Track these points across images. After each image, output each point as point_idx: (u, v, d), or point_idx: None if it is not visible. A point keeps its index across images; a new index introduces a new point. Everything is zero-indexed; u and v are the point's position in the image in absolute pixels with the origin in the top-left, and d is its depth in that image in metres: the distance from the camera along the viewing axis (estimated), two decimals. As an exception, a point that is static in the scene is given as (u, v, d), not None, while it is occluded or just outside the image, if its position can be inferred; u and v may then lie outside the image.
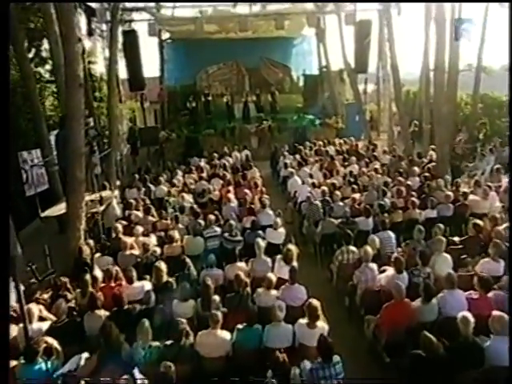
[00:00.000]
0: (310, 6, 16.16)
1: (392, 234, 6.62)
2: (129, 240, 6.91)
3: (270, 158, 13.96)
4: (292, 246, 5.93)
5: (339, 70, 18.48)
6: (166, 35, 19.37)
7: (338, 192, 8.57)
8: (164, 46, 19.52)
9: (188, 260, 6.19)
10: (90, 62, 15.97)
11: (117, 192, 8.93)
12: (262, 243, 6.25)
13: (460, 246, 6.25)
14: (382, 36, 14.11)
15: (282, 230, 7.28)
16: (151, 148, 16.04)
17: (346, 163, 11.35)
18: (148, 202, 9.32)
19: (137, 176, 10.87)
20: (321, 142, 13.75)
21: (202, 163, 12.29)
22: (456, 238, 6.48)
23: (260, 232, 7.15)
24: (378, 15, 13.38)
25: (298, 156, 12.43)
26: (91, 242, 6.95)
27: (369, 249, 5.74)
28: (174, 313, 4.93)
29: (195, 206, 8.52)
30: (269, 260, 6.10)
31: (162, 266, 5.71)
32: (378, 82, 16.81)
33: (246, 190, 9.41)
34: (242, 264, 6.16)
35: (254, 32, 17.58)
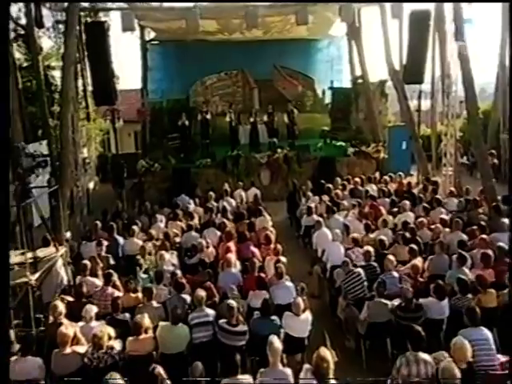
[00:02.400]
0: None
1: (488, 333, 5.44)
2: (71, 330, 5.94)
3: (287, 199, 13.52)
4: (326, 354, 4.79)
5: (380, 81, 18.27)
6: (150, 35, 19.40)
7: (391, 256, 7.76)
8: (148, 48, 19.43)
9: (160, 371, 5.22)
10: (48, 67, 15.84)
11: (64, 249, 8.06)
12: (278, 343, 5.35)
13: None
14: (442, 33, 13.41)
15: (306, 317, 6.61)
16: (126, 183, 15.85)
17: (396, 209, 10.83)
18: (112, 262, 8.95)
19: (98, 223, 10.36)
20: (357, 179, 13.33)
21: (193, 206, 12.11)
22: None
23: (274, 319, 6.47)
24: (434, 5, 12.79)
25: (325, 198, 12.10)
26: (11, 332, 5.83)
27: (452, 365, 4.70)
28: None
29: (179, 273, 7.82)
30: (289, 372, 5.19)
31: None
32: (433, 96, 16.32)
33: (254, 249, 8.99)
34: (246, 379, 5.05)
35: (267, 32, 17.82)
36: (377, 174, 14.42)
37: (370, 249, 8.15)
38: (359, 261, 8.21)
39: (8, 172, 4.43)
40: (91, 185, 16.48)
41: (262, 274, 7.70)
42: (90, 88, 13.88)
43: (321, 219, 10.08)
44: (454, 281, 6.87)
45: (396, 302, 6.72)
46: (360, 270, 7.66)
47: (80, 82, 17.55)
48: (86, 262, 8.15)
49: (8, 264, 4.10)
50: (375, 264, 7.92)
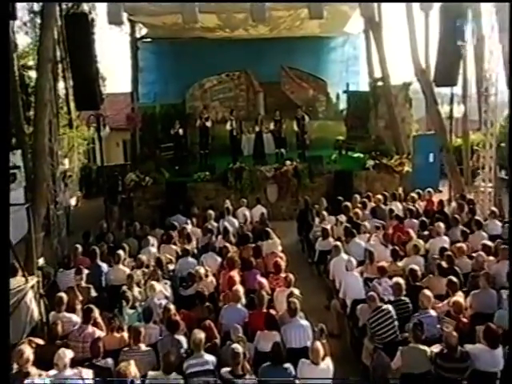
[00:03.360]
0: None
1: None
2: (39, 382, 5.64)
3: (298, 218, 13.53)
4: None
5: (403, 83, 18.17)
6: (141, 31, 19.62)
7: (427, 292, 7.32)
8: (139, 47, 19.47)
9: None
10: (24, 67, 16.20)
11: (36, 279, 7.92)
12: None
13: None
14: (478, 27, 13.48)
15: (327, 366, 6.26)
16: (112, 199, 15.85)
17: (427, 232, 10.53)
18: (93, 293, 8.70)
19: (79, 247, 10.18)
20: (380, 196, 13.16)
21: (190, 226, 11.93)
22: None
23: (287, 367, 6.14)
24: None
25: (343, 218, 11.88)
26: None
27: None
28: None
29: (172, 308, 7.48)
30: None
31: None
32: (465, 100, 16.52)
33: (261, 279, 8.66)
34: None
35: (274, 28, 17.77)
36: (400, 190, 14.47)
37: (400, 280, 7.79)
38: (387, 294, 7.91)
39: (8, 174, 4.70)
40: (72, 201, 16.56)
41: (272, 311, 7.44)
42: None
43: (339, 243, 9.81)
44: (506, 323, 6.48)
45: (436, 348, 6.33)
46: (389, 306, 7.29)
47: (61, 84, 17.76)
48: (62, 294, 7.84)
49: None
50: (407, 299, 7.56)
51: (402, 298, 7.58)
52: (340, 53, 21.07)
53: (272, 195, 15.95)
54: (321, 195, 14.47)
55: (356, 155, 17.74)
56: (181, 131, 17.35)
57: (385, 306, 7.22)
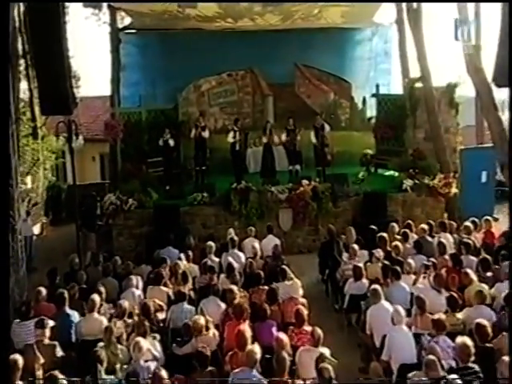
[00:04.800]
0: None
1: None
2: None
3: (321, 252, 13.26)
4: None
5: (449, 85, 18.09)
6: (124, 21, 19.71)
7: (506, 358, 6.84)
8: (121, 39, 19.29)
9: None
10: None
11: None
12: None
13: None
14: None
15: None
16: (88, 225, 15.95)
17: (490, 274, 10.23)
18: (59, 353, 8.26)
19: (42, 290, 9.87)
20: (424, 226, 12.94)
21: (185, 262, 11.87)
22: None
23: None
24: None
25: (379, 253, 11.57)
26: None
27: None
28: None
29: (164, 374, 7.08)
30: None
31: None
32: None
33: (279, 334, 8.28)
34: None
35: (286, 18, 17.77)
36: (445, 217, 14.90)
37: (469, 342, 7.29)
38: (448, 359, 7.49)
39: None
40: (35, 229, 16.78)
41: (299, 382, 7.11)
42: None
43: (377, 287, 9.45)
44: None
45: None
46: (455, 376, 6.84)
47: (24, 84, 17.55)
48: (17, 356, 7.38)
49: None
50: (476, 367, 7.06)
51: (470, 364, 7.13)
52: (368, 48, 20.87)
53: (286, 222, 15.83)
54: (347, 223, 14.51)
55: (389, 173, 17.76)
56: (172, 143, 17.30)
57: (450, 377, 6.79)
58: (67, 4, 20.49)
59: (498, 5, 11.10)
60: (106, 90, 19.87)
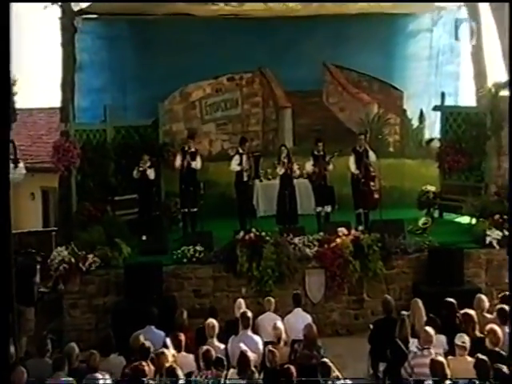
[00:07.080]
0: None
1: None
2: None
3: (372, 336, 11.12)
4: None
5: None
6: (81, 3, 16.71)
7: None
8: (77, 28, 16.34)
9: None
10: None
11: None
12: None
13: None
14: None
15: None
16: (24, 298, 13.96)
17: None
18: None
19: None
20: None
21: (172, 351, 9.91)
22: None
23: None
24: None
25: (464, 338, 9.76)
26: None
27: None
28: None
29: None
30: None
31: None
32: None
33: None
34: None
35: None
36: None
37: None
38: None
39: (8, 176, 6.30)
40: None
41: None
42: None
43: None
44: None
45: None
46: None
47: None
48: None
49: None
50: None
51: None
52: (426, 42, 17.98)
53: (315, 290, 13.42)
54: (405, 292, 12.95)
55: (464, 220, 15.34)
56: (151, 173, 14.93)
57: None
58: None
59: None
60: (53, 99, 17.47)
